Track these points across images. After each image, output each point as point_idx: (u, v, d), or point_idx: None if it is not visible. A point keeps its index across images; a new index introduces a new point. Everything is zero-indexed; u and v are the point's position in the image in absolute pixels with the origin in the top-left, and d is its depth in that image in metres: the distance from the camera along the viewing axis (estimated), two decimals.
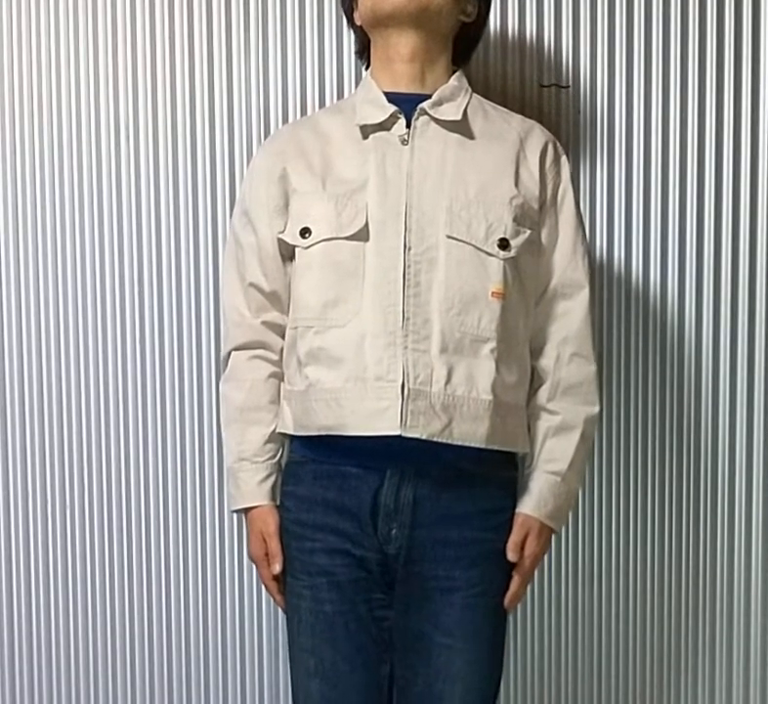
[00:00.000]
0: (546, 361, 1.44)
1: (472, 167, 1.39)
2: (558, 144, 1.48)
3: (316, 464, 1.41)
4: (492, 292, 1.36)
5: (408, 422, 1.32)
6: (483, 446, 1.35)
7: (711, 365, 1.77)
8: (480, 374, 1.35)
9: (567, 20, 1.73)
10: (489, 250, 1.36)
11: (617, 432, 1.78)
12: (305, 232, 1.39)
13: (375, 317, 1.34)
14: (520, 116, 1.50)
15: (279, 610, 1.82)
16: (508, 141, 1.43)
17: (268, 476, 1.45)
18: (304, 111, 1.74)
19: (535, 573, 1.78)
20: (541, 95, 1.74)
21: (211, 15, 1.75)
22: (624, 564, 1.80)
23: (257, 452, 1.45)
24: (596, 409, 1.44)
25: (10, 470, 1.84)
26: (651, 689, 1.82)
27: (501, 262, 1.37)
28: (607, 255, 1.75)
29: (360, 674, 1.40)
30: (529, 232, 1.39)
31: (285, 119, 1.75)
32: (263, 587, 1.80)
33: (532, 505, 1.40)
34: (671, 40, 1.72)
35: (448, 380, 1.34)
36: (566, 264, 1.44)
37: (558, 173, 1.45)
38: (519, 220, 1.38)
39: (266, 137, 1.75)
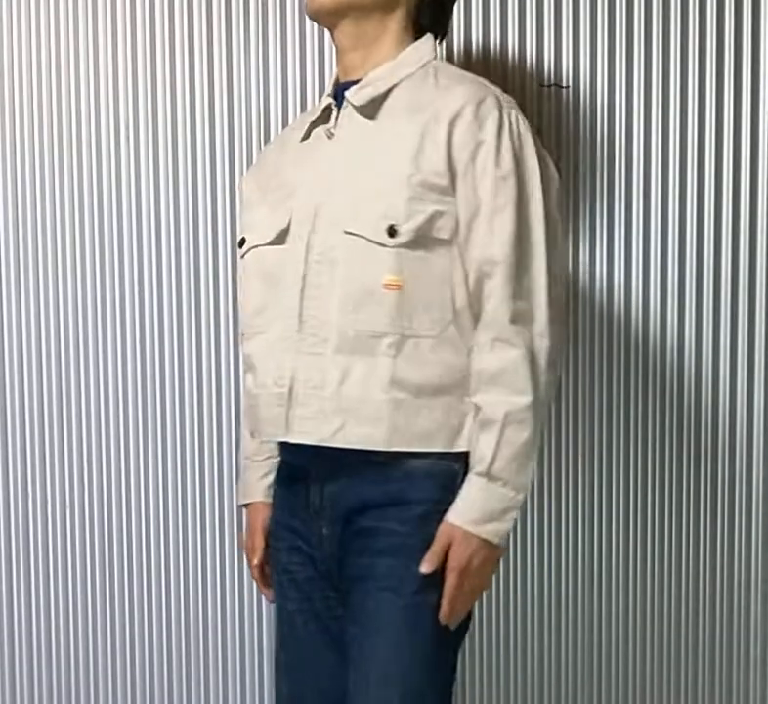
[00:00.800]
0: (473, 350, 1.31)
1: (379, 152, 1.32)
2: (485, 103, 1.29)
3: (280, 465, 1.46)
4: (385, 285, 1.29)
5: (296, 428, 1.32)
6: (383, 449, 1.29)
7: (711, 365, 1.76)
8: (377, 372, 1.29)
9: (567, 20, 1.72)
10: (379, 240, 1.28)
11: (617, 432, 1.77)
12: (242, 242, 1.42)
13: (280, 322, 1.34)
14: (452, 82, 1.34)
15: None
16: (424, 113, 1.30)
17: (265, 475, 1.49)
18: (304, 110, 1.74)
19: (536, 573, 1.78)
20: (541, 95, 1.74)
21: (211, 15, 1.75)
22: (624, 564, 1.80)
23: (256, 451, 1.51)
24: (523, 399, 1.26)
25: (10, 470, 1.84)
26: (651, 689, 1.82)
27: (392, 251, 1.28)
28: (607, 256, 1.75)
29: (320, 673, 1.40)
30: (431, 210, 1.28)
31: (285, 119, 1.75)
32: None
33: (455, 511, 1.27)
34: (671, 40, 1.72)
35: (343, 382, 1.29)
36: (481, 238, 1.28)
37: (476, 135, 1.28)
38: (419, 198, 1.28)
39: (266, 137, 1.75)
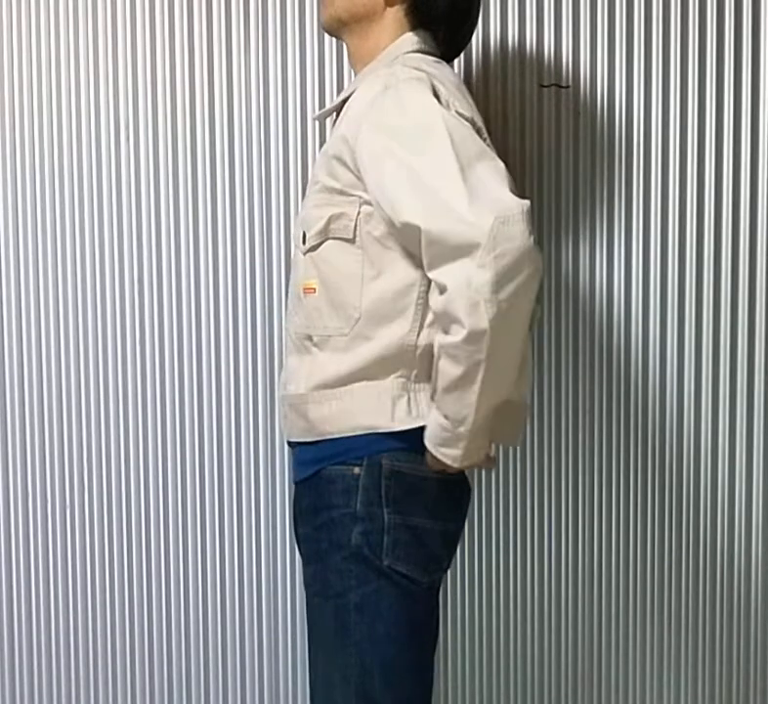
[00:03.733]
0: None
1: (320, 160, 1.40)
2: (371, 93, 1.29)
3: None
4: (304, 289, 1.37)
5: (281, 426, 1.45)
6: (309, 439, 1.36)
7: (711, 366, 1.76)
8: (299, 370, 1.38)
9: (567, 20, 1.72)
10: (301, 248, 1.38)
11: (617, 433, 1.77)
12: None
13: None
14: (371, 81, 1.34)
15: (279, 610, 1.83)
16: (343, 121, 1.35)
17: None
18: (304, 111, 1.75)
19: (535, 572, 1.79)
20: (541, 95, 1.73)
21: (211, 15, 1.75)
22: (624, 564, 1.80)
23: None
24: (449, 337, 1.21)
25: (10, 470, 1.84)
26: (651, 689, 1.82)
27: (306, 257, 1.37)
28: (607, 256, 1.75)
29: None
30: (328, 214, 1.32)
31: (285, 119, 1.75)
32: (263, 587, 1.82)
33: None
34: (671, 40, 1.72)
35: (285, 381, 1.41)
36: (387, 211, 1.25)
37: (370, 114, 1.28)
38: (320, 205, 1.34)
39: (266, 137, 1.75)
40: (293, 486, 1.42)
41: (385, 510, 1.30)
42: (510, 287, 1.16)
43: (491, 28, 1.72)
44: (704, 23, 1.72)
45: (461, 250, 1.17)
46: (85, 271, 1.80)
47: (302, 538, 1.39)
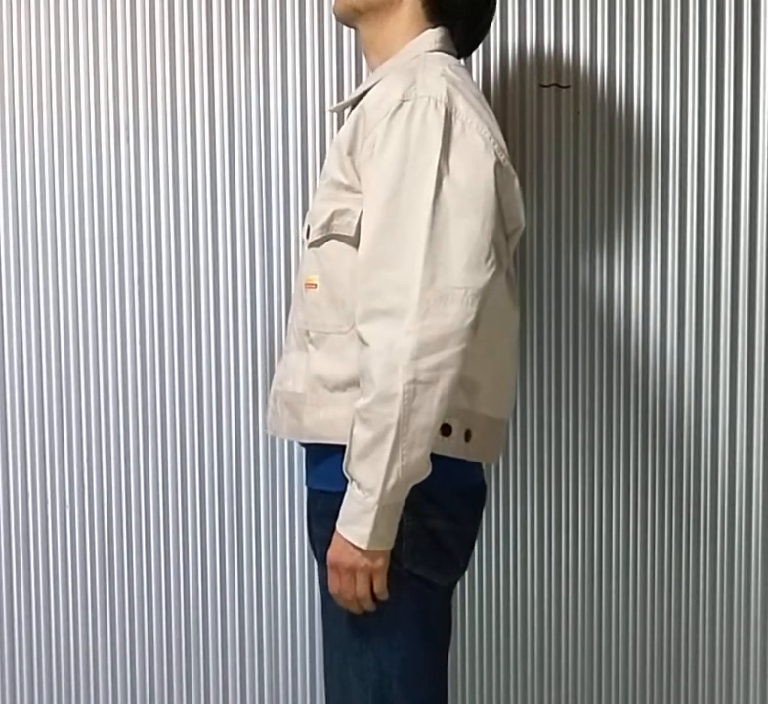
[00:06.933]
0: None
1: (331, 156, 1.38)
2: (392, 95, 1.25)
3: None
4: (306, 284, 1.35)
5: (267, 420, 1.44)
6: (299, 440, 1.36)
7: (711, 365, 1.77)
8: (298, 367, 1.35)
9: (567, 20, 1.73)
10: (307, 242, 1.36)
11: (617, 432, 1.77)
12: None
13: None
14: (390, 78, 1.30)
15: (279, 610, 1.83)
16: (361, 110, 1.32)
17: None
18: (304, 111, 1.75)
19: (535, 572, 1.79)
20: (541, 95, 1.74)
21: (211, 15, 1.75)
22: (624, 564, 1.80)
23: None
24: (364, 399, 1.20)
25: (10, 470, 1.84)
26: (651, 689, 1.82)
27: (310, 251, 1.35)
28: (607, 257, 1.75)
29: None
30: (333, 209, 1.30)
31: (285, 119, 1.75)
32: (263, 587, 1.82)
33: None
34: (671, 40, 1.72)
35: (283, 377, 1.39)
36: (362, 230, 1.25)
37: (372, 127, 1.26)
38: (327, 199, 1.32)
39: (266, 137, 1.75)
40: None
41: (404, 515, 1.26)
42: (432, 359, 1.17)
43: (492, 28, 1.72)
44: (704, 23, 1.72)
45: (392, 312, 1.18)
46: (85, 271, 1.80)
47: (317, 539, 1.35)
